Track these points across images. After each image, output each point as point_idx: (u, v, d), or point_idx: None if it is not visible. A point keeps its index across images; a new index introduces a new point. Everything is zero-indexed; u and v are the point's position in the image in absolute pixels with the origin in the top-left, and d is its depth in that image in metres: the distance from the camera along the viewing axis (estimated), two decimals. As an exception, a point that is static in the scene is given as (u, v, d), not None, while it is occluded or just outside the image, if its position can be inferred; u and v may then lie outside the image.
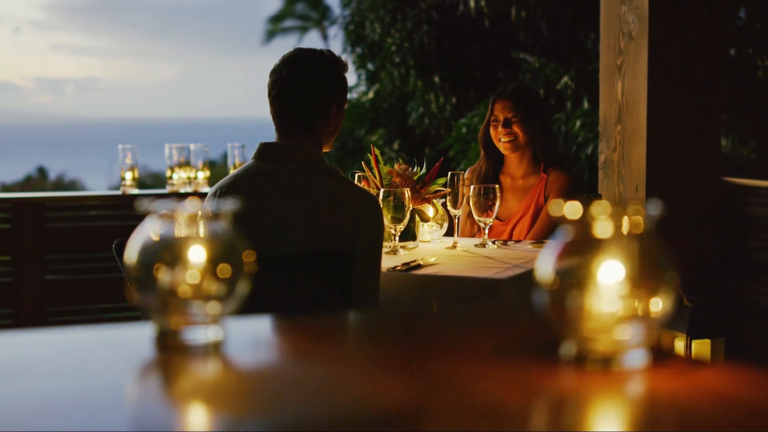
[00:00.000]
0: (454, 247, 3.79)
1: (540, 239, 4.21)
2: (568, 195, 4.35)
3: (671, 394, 1.05)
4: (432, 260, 3.43)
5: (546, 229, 4.27)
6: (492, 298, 3.04)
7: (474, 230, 4.47)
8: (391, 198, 3.51)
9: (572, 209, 1.11)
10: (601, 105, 5.69)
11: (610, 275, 1.11)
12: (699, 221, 5.46)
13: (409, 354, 1.19)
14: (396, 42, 10.74)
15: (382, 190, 3.55)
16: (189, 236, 1.23)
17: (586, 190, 5.53)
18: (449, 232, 4.04)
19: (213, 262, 1.25)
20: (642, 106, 5.36)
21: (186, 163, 6.16)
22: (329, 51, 3.25)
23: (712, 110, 5.48)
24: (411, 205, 3.57)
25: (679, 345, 5.34)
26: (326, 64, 3.19)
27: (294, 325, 1.33)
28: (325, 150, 3.27)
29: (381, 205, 3.55)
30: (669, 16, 5.31)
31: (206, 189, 5.94)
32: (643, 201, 5.36)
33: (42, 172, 41.00)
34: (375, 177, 3.82)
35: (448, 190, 3.81)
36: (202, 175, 6.20)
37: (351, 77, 12.36)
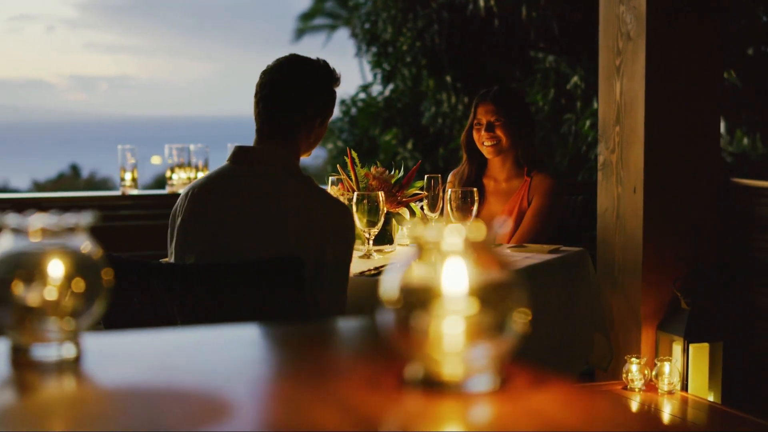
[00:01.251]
0: (430, 250, 3.75)
1: (524, 242, 4.18)
2: (552, 198, 4.30)
3: (510, 421, 1.02)
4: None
5: (530, 232, 4.23)
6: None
7: None
8: (366, 201, 3.49)
9: (424, 227, 1.08)
10: (600, 106, 5.64)
11: (457, 296, 1.07)
12: (698, 223, 5.40)
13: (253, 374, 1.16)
14: (407, 41, 10.71)
15: (356, 193, 3.52)
16: (45, 250, 1.20)
17: (569, 192, 5.48)
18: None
19: (68, 277, 1.22)
20: (640, 106, 5.30)
21: (187, 164, 6.15)
22: (324, 62, 3.21)
23: (712, 111, 5.41)
24: (385, 209, 3.54)
25: (677, 349, 5.28)
26: (318, 76, 3.16)
27: (164, 338, 1.31)
28: (304, 157, 3.25)
29: (354, 212, 3.52)
30: (667, 16, 5.25)
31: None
32: (641, 203, 5.30)
33: (75, 169, 41.24)
34: (351, 180, 3.79)
35: (425, 193, 3.78)
36: (202, 175, 6.19)
37: (358, 75, 12.34)
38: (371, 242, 3.58)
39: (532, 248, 3.80)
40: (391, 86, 11.80)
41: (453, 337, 1.06)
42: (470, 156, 4.46)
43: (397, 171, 3.87)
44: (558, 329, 3.62)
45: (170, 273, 2.66)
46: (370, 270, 3.26)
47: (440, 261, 1.08)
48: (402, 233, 4.01)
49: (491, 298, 1.08)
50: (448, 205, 3.75)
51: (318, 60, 3.18)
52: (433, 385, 1.08)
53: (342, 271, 2.97)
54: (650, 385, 5.24)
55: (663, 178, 5.31)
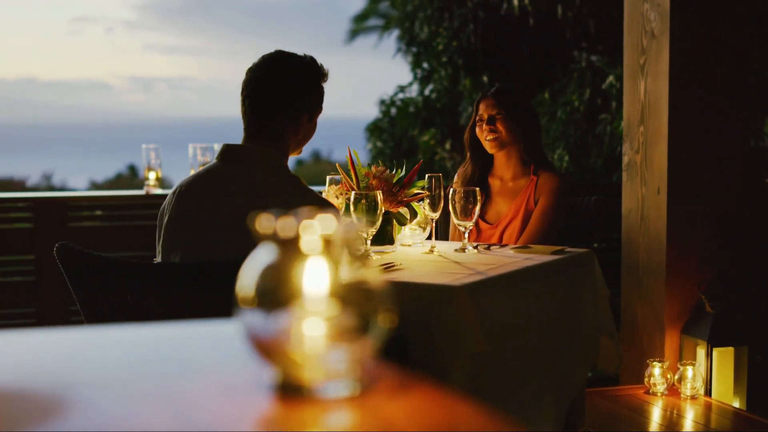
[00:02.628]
0: (431, 251, 3.70)
1: (532, 243, 4.11)
2: (558, 197, 4.23)
3: (366, 427, 0.97)
4: (398, 265, 3.35)
5: (537, 232, 4.16)
6: (445, 306, 2.95)
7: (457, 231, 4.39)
8: (364, 201, 3.43)
9: (282, 224, 1.03)
10: (625, 105, 5.55)
11: (316, 297, 1.02)
12: (724, 225, 5.29)
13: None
14: (443, 41, 10.65)
15: (353, 192, 3.47)
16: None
17: (583, 193, 5.40)
18: (435, 236, 3.95)
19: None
20: (663, 106, 5.21)
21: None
22: (311, 58, 3.16)
23: (737, 111, 5.30)
24: (383, 209, 3.49)
25: (701, 353, 5.18)
26: (305, 72, 3.11)
27: (35, 337, 1.27)
28: (294, 155, 3.21)
29: (352, 212, 3.47)
30: (691, 13, 5.15)
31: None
32: (665, 204, 5.21)
33: (132, 170, 41.63)
34: (351, 179, 3.74)
35: (426, 193, 3.72)
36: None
37: (406, 76, 12.32)
38: (369, 242, 3.53)
39: (536, 249, 3.73)
40: (430, 86, 11.75)
41: (311, 339, 1.01)
42: (474, 154, 4.41)
43: (399, 170, 3.82)
44: (561, 331, 3.55)
45: (146, 273, 2.64)
46: (361, 270, 3.20)
47: (300, 259, 1.03)
48: (404, 233, 3.96)
49: (353, 298, 1.03)
50: (450, 205, 3.69)
51: (305, 56, 3.13)
52: (290, 390, 1.03)
53: None
54: (673, 390, 5.15)
55: (687, 179, 5.21)
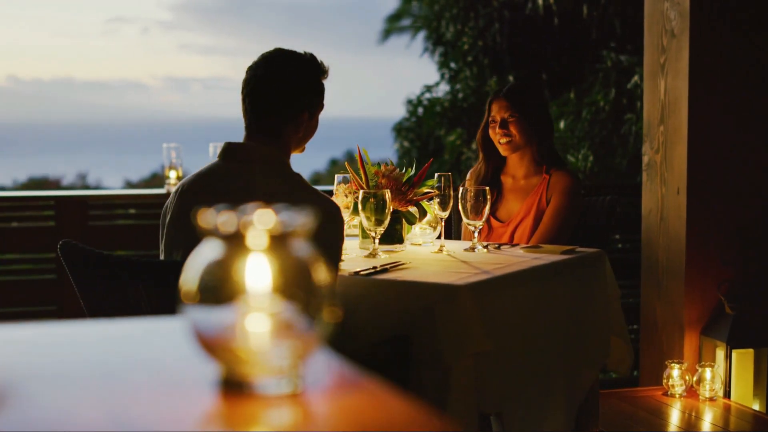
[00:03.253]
0: (440, 250, 3.69)
1: (544, 242, 4.09)
2: (570, 196, 4.20)
3: (305, 424, 0.96)
4: (404, 264, 3.34)
5: (549, 232, 4.13)
6: (448, 305, 2.94)
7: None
8: (372, 200, 3.43)
9: (225, 220, 1.02)
10: (645, 105, 5.51)
11: (259, 292, 1.02)
12: (744, 226, 5.24)
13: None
14: (469, 41, 10.63)
15: (361, 191, 3.47)
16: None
17: (597, 192, 5.38)
18: (448, 235, 3.95)
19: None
20: (683, 105, 5.17)
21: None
22: (311, 55, 3.15)
23: (758, 110, 5.25)
24: (391, 207, 3.48)
25: (720, 355, 5.14)
26: (303, 68, 3.10)
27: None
28: (297, 153, 3.20)
29: (360, 211, 3.47)
30: (711, 12, 5.11)
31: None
32: (684, 204, 5.17)
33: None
34: (360, 178, 3.74)
35: (435, 192, 3.70)
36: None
37: (433, 76, 12.29)
38: (377, 241, 3.52)
39: (546, 249, 3.71)
40: (457, 86, 11.72)
41: (255, 335, 1.01)
42: (486, 154, 4.38)
43: (409, 169, 3.81)
44: (571, 331, 3.53)
45: (145, 270, 2.64)
46: (366, 269, 3.20)
47: (244, 255, 1.02)
48: (414, 233, 3.95)
49: (297, 294, 1.02)
50: (460, 204, 3.68)
51: (304, 54, 3.12)
52: (233, 386, 1.02)
53: (329, 268, 2.91)
54: (692, 392, 5.11)
55: (707, 179, 5.17)
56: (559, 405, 3.46)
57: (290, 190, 2.93)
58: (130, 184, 41.27)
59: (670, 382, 5.10)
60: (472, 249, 3.70)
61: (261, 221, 1.00)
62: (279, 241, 1.02)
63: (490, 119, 4.29)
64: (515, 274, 3.22)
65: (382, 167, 3.74)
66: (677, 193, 5.24)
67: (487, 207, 3.66)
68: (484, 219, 3.68)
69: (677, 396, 5.07)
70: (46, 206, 5.71)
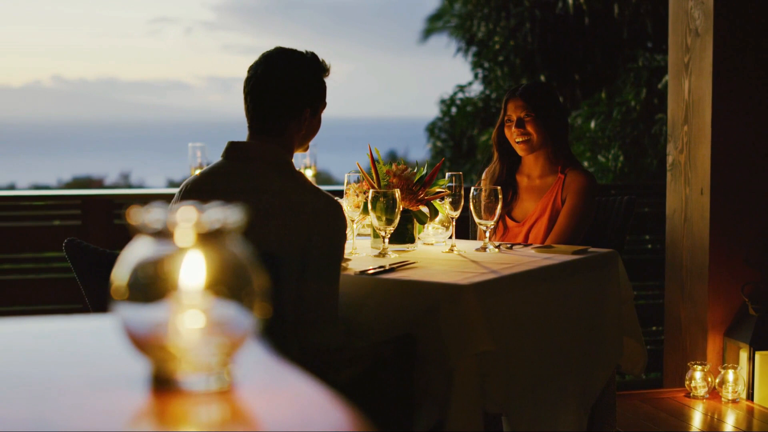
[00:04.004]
0: (451, 250, 3.68)
1: (559, 242, 4.07)
2: (585, 196, 4.17)
3: (232, 420, 0.96)
4: (412, 263, 3.34)
5: (564, 232, 4.11)
6: (452, 304, 2.93)
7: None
8: (382, 199, 3.43)
9: (155, 217, 1.03)
10: (669, 104, 5.48)
11: (188, 288, 1.02)
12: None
13: None
14: (500, 40, 10.59)
15: (371, 191, 3.47)
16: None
17: (618, 192, 5.34)
18: (461, 235, 3.94)
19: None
20: (707, 105, 5.13)
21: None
22: (312, 53, 3.16)
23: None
24: (401, 207, 3.48)
25: (743, 357, 5.09)
26: (304, 66, 3.10)
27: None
28: (300, 152, 3.21)
29: (370, 210, 3.46)
30: (735, 10, 5.06)
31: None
32: (708, 205, 5.13)
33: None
34: (372, 177, 3.74)
35: (447, 191, 3.69)
36: (310, 172, 6.19)
37: (467, 76, 12.25)
38: (387, 241, 3.52)
39: (558, 249, 3.69)
40: (490, 86, 11.68)
41: (185, 332, 1.01)
42: (501, 154, 4.36)
43: (421, 168, 3.80)
44: (582, 332, 3.51)
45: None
46: (373, 268, 3.20)
47: (174, 252, 1.03)
48: (427, 232, 3.94)
49: (227, 291, 1.03)
50: (471, 204, 3.66)
51: (306, 52, 3.13)
52: (163, 383, 1.03)
53: (330, 267, 2.91)
54: (714, 394, 5.07)
55: (731, 180, 5.13)
56: (571, 405, 3.44)
57: (288, 189, 2.93)
58: (173, 184, 41.50)
59: (693, 384, 5.06)
60: (484, 249, 3.69)
61: (189, 218, 1.01)
62: (209, 238, 1.02)
63: (505, 118, 4.27)
64: (522, 274, 3.20)
65: (393, 166, 3.74)
66: (701, 194, 5.20)
67: (499, 207, 3.65)
68: (495, 219, 3.66)
69: (700, 398, 5.04)
70: (73, 205, 5.75)
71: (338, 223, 2.93)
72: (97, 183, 41.05)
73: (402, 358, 3.00)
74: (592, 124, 8.39)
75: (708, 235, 5.15)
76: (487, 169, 4.46)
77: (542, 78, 10.37)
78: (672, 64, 5.42)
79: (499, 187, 3.67)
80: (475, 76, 12.02)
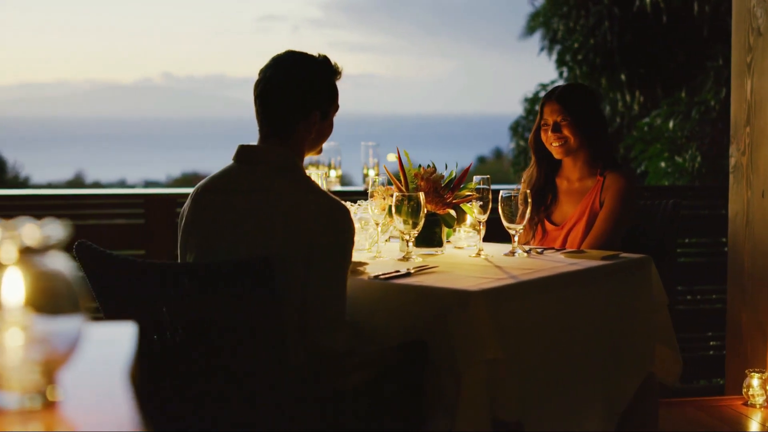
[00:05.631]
0: (478, 254, 3.64)
1: (596, 244, 4.00)
2: (624, 198, 4.09)
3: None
4: (432, 268, 3.31)
5: (602, 235, 4.03)
6: (461, 310, 2.90)
7: (528, 237, 4.29)
8: (406, 202, 3.41)
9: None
10: (732, 105, 5.35)
11: (9, 307, 1.02)
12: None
13: None
14: (578, 39, 10.44)
15: (394, 194, 3.45)
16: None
17: (662, 196, 5.22)
18: (485, 239, 3.90)
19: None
20: (769, 106, 5.00)
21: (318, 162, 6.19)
22: (324, 56, 3.15)
23: None
24: (425, 210, 3.45)
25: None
26: (313, 69, 3.09)
27: None
28: (312, 155, 3.20)
29: (394, 213, 3.44)
30: (798, 8, 4.92)
31: (338, 188, 5.95)
32: (769, 208, 5.00)
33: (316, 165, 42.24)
34: (400, 180, 3.72)
35: (475, 195, 3.66)
36: (334, 173, 6.21)
37: (551, 74, 12.14)
38: (411, 244, 3.50)
39: (588, 254, 3.62)
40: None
41: (3, 350, 1.01)
42: (539, 157, 4.30)
43: (452, 171, 3.78)
44: (609, 338, 3.44)
45: (149, 271, 2.68)
46: (387, 273, 3.19)
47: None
48: (458, 236, 3.91)
49: (47, 308, 1.02)
50: (500, 208, 3.62)
51: (318, 56, 3.11)
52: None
53: (334, 271, 2.89)
54: (773, 402, 4.94)
55: (793, 182, 4.99)
56: (595, 413, 3.38)
57: (294, 192, 2.92)
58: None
59: (750, 392, 4.94)
60: (512, 253, 3.64)
61: (10, 235, 1.01)
62: (30, 254, 1.02)
63: (542, 122, 4.22)
64: (541, 279, 3.15)
65: (421, 169, 3.72)
66: (762, 196, 5.07)
67: (528, 211, 3.60)
68: (524, 223, 3.62)
69: (757, 406, 4.91)
70: (136, 204, 5.83)
71: (343, 227, 2.91)
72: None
73: (413, 364, 2.98)
74: (671, 124, 8.23)
75: (769, 238, 5.02)
76: (525, 172, 4.41)
77: (622, 77, 10.22)
78: (735, 64, 5.29)
79: (528, 191, 3.62)
80: (560, 74, 11.87)
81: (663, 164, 8.16)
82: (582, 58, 10.57)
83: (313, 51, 3.15)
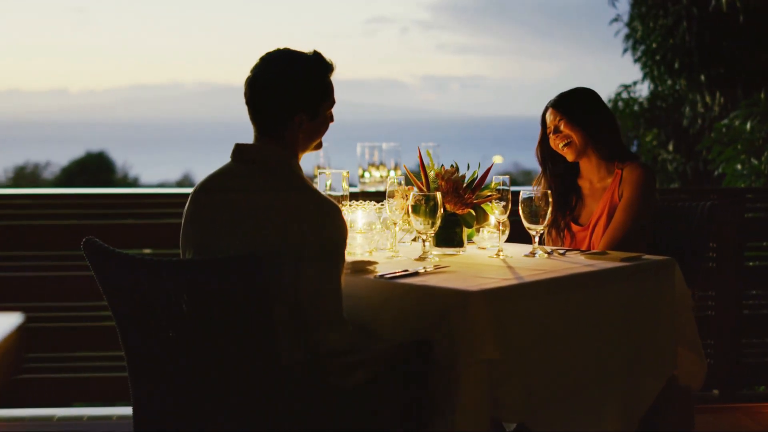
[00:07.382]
0: (497, 255, 3.64)
1: (616, 237, 3.97)
2: (641, 188, 4.05)
3: None
4: (444, 268, 3.33)
5: (621, 227, 3.99)
6: (461, 310, 2.91)
7: (558, 244, 4.27)
8: (423, 202, 3.42)
9: None
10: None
11: None
12: None
13: None
14: (657, 39, 10.27)
15: (412, 194, 3.47)
16: None
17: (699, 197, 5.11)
18: (511, 239, 3.90)
19: None
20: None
21: (379, 163, 6.23)
22: (316, 53, 3.15)
23: None
24: (442, 210, 3.46)
25: None
26: (302, 67, 3.10)
27: None
28: (308, 152, 3.21)
29: (411, 213, 3.46)
30: None
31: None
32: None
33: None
34: (422, 181, 3.74)
35: (496, 195, 3.66)
36: (394, 174, 6.24)
37: (636, 75, 11.99)
38: (427, 244, 3.52)
39: (610, 256, 3.60)
40: (655, 85, 11.38)
41: None
42: (544, 167, 4.33)
43: (474, 171, 3.79)
44: (627, 341, 3.42)
45: (151, 267, 2.74)
46: (394, 273, 3.21)
47: None
48: (482, 236, 3.91)
49: None
50: (520, 209, 3.62)
51: (308, 52, 3.12)
52: None
53: (327, 268, 2.91)
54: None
55: None
56: (613, 413, 3.35)
57: (285, 190, 2.96)
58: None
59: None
60: (533, 254, 3.64)
61: None
62: None
63: (547, 132, 4.26)
64: (548, 281, 3.14)
65: (442, 169, 3.73)
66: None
67: (549, 212, 3.59)
68: (545, 224, 3.61)
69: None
70: (172, 204, 5.84)
71: (334, 224, 2.94)
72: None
73: (416, 363, 2.99)
74: (748, 126, 8.06)
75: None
76: (533, 183, 4.42)
77: (702, 78, 10.03)
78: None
79: (548, 191, 3.62)
80: (645, 75, 11.69)
81: (739, 166, 7.99)
82: (660, 58, 10.42)
83: (311, 50, 3.15)
